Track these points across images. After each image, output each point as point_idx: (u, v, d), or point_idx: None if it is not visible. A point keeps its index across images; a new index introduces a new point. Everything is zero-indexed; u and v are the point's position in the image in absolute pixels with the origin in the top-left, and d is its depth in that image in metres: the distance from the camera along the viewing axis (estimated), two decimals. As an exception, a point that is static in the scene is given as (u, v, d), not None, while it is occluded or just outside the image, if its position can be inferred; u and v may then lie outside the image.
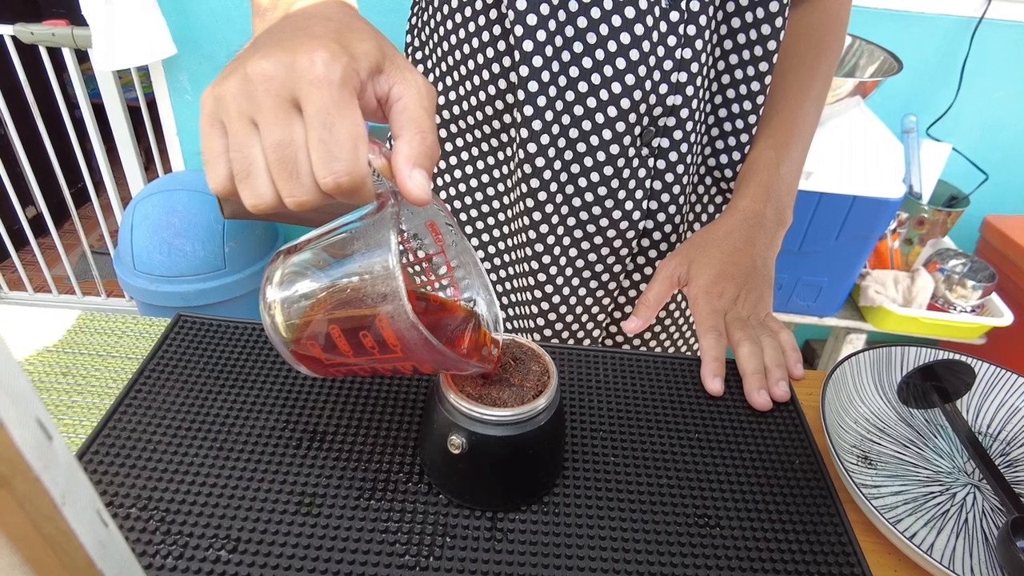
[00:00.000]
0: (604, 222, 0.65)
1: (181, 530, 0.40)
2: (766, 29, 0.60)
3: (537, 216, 0.65)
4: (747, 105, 0.64)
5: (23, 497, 0.18)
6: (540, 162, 0.62)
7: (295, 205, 0.33)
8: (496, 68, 0.61)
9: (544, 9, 0.56)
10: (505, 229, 0.71)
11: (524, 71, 0.58)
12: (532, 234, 0.66)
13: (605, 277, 0.69)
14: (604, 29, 0.57)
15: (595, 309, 0.71)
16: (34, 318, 0.59)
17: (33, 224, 2.08)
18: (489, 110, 0.64)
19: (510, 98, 0.61)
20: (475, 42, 0.61)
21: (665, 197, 0.65)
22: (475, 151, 0.69)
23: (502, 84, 0.62)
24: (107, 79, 1.76)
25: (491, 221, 0.72)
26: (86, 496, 0.21)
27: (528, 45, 0.57)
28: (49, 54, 1.77)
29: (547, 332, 0.72)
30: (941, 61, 1.64)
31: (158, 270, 1.63)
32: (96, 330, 0.58)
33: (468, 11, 0.61)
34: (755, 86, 0.63)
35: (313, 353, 0.40)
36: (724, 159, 0.67)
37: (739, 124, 0.65)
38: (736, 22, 0.60)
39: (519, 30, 0.57)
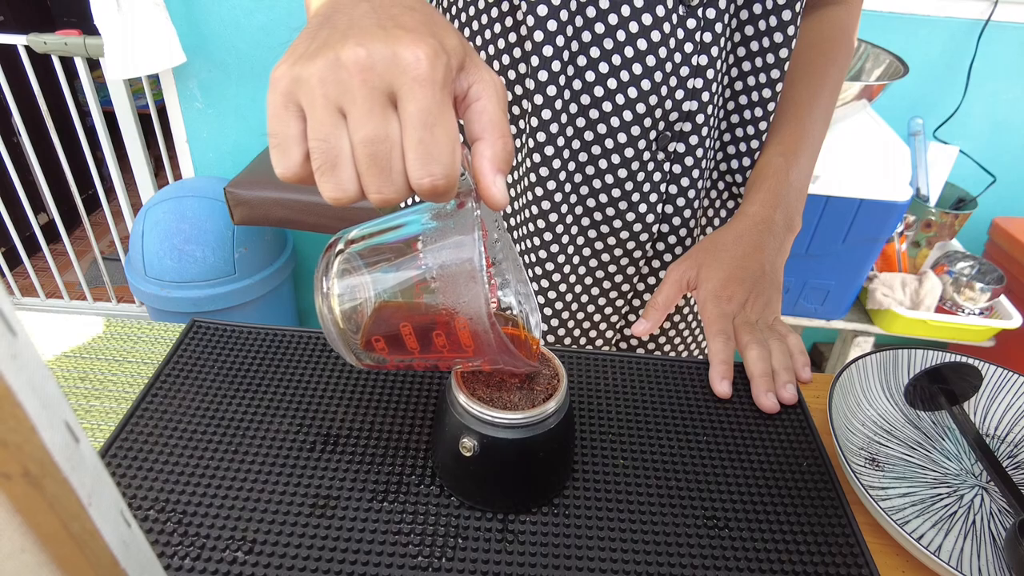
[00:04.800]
0: (618, 223, 0.65)
1: (198, 532, 0.41)
2: (779, 37, 0.61)
3: (553, 218, 0.66)
4: (759, 111, 0.65)
5: (53, 497, 0.18)
6: (556, 164, 0.63)
7: (381, 202, 0.32)
8: (512, 75, 0.62)
9: (563, 15, 0.57)
10: (515, 234, 0.71)
11: (543, 76, 0.59)
12: (548, 236, 0.67)
13: (618, 279, 0.70)
14: (621, 35, 0.57)
15: (608, 310, 0.72)
16: (50, 324, 0.60)
17: (45, 230, 2.11)
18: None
19: (526, 104, 0.62)
20: (491, 49, 0.62)
21: (680, 201, 0.66)
22: None
23: (519, 90, 0.62)
24: (118, 87, 1.78)
25: (505, 225, 0.72)
26: (110, 497, 0.21)
27: (548, 51, 0.58)
28: (61, 62, 1.79)
29: (560, 332, 0.73)
30: (947, 64, 1.64)
31: (169, 276, 1.65)
32: (112, 335, 0.59)
33: (485, 18, 0.62)
34: (767, 93, 0.63)
35: (376, 348, 0.39)
36: (736, 164, 0.68)
37: (751, 130, 0.66)
38: (750, 30, 0.61)
39: (538, 35, 0.57)
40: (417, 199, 0.72)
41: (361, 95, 0.31)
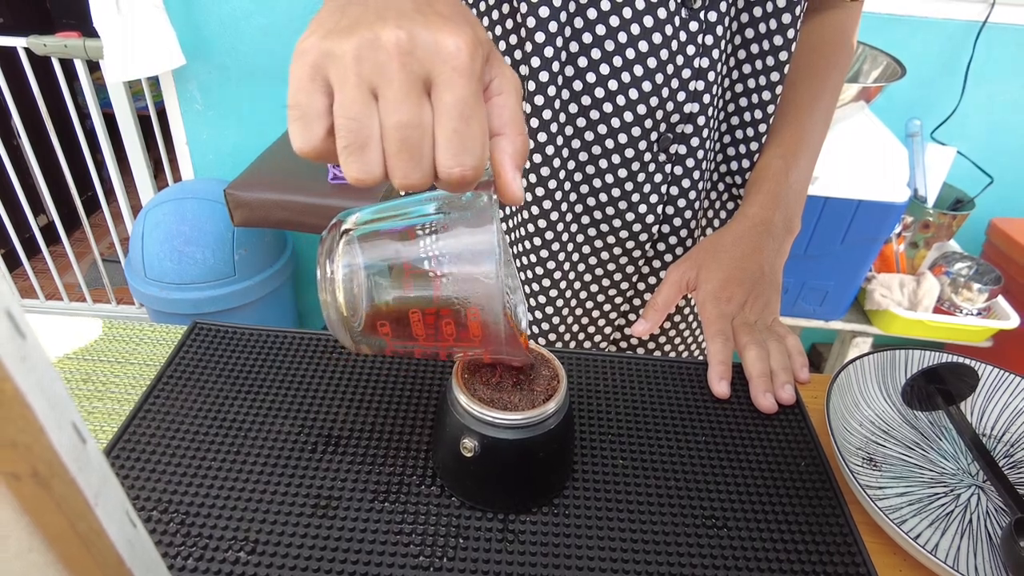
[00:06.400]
0: (618, 224, 0.66)
1: (201, 532, 0.41)
2: (779, 40, 0.61)
3: (554, 217, 0.66)
4: (759, 113, 0.65)
5: (60, 497, 0.19)
6: (557, 164, 0.63)
7: (404, 186, 0.32)
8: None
9: (564, 17, 0.57)
10: (516, 234, 0.72)
11: (544, 77, 0.59)
12: (548, 235, 0.67)
13: (618, 278, 0.70)
14: (623, 37, 0.58)
15: (607, 308, 0.72)
16: (51, 325, 0.60)
17: (45, 232, 2.11)
18: None
19: (527, 105, 0.62)
20: None
21: (681, 202, 0.66)
22: None
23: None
24: (118, 89, 1.79)
25: (503, 226, 0.73)
26: (116, 497, 0.22)
27: (549, 52, 0.58)
28: (61, 65, 1.79)
29: (560, 331, 0.73)
30: (945, 65, 1.64)
31: (169, 277, 1.65)
32: (113, 337, 0.59)
33: (486, 20, 0.62)
34: (767, 95, 0.64)
35: (379, 332, 0.39)
36: (735, 166, 0.68)
37: (751, 132, 0.66)
38: (750, 32, 0.62)
39: (540, 37, 0.58)
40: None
41: (399, 79, 0.30)
